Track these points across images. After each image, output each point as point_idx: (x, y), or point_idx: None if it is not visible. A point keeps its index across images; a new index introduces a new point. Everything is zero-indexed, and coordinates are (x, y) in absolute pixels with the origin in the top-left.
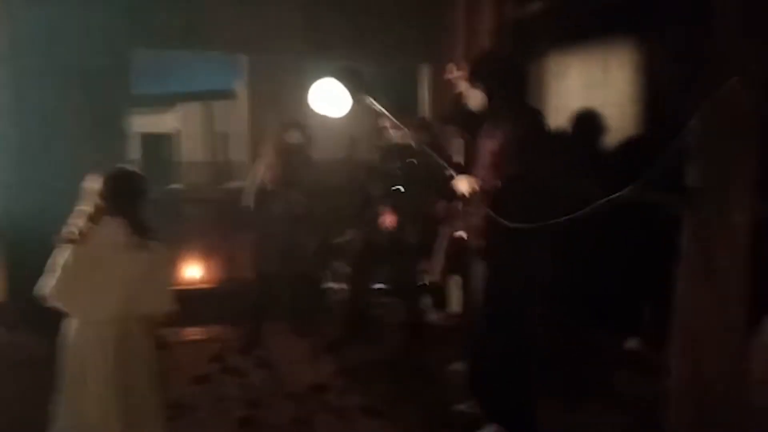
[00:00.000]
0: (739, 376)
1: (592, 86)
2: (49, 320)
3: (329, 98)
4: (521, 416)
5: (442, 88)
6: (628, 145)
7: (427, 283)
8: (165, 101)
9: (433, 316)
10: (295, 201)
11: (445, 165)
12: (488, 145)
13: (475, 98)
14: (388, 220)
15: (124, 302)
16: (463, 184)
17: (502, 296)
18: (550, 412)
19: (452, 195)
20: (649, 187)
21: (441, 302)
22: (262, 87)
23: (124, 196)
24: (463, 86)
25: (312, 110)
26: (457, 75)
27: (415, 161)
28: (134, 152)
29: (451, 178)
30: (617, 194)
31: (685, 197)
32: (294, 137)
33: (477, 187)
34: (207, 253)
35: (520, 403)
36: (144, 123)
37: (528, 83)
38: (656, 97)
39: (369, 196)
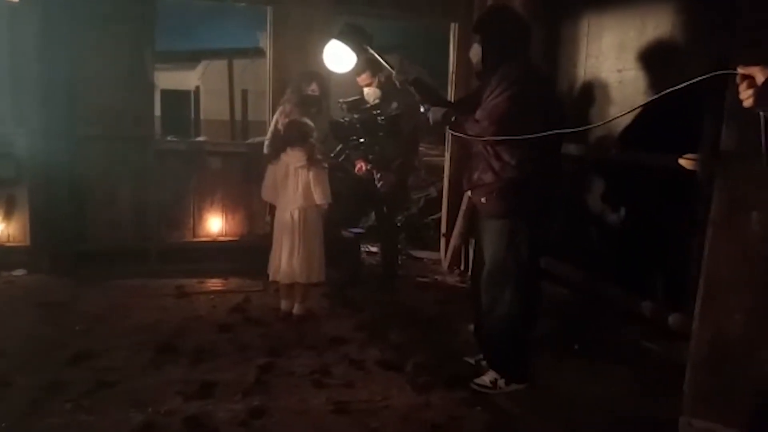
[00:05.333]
0: (763, 344)
1: (626, 47)
2: (70, 264)
3: (338, 57)
4: (521, 367)
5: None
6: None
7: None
8: (189, 58)
9: (453, 278)
10: None
11: (422, 100)
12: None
13: (473, 53)
14: (359, 167)
15: (304, 198)
16: (432, 115)
17: (503, 255)
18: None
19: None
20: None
21: (459, 263)
22: (286, 41)
23: (300, 136)
24: None
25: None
26: None
27: (375, 113)
28: (157, 107)
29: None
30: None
31: (718, 160)
32: (311, 88)
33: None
34: (231, 206)
35: (520, 355)
36: (167, 79)
37: (523, 40)
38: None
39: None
